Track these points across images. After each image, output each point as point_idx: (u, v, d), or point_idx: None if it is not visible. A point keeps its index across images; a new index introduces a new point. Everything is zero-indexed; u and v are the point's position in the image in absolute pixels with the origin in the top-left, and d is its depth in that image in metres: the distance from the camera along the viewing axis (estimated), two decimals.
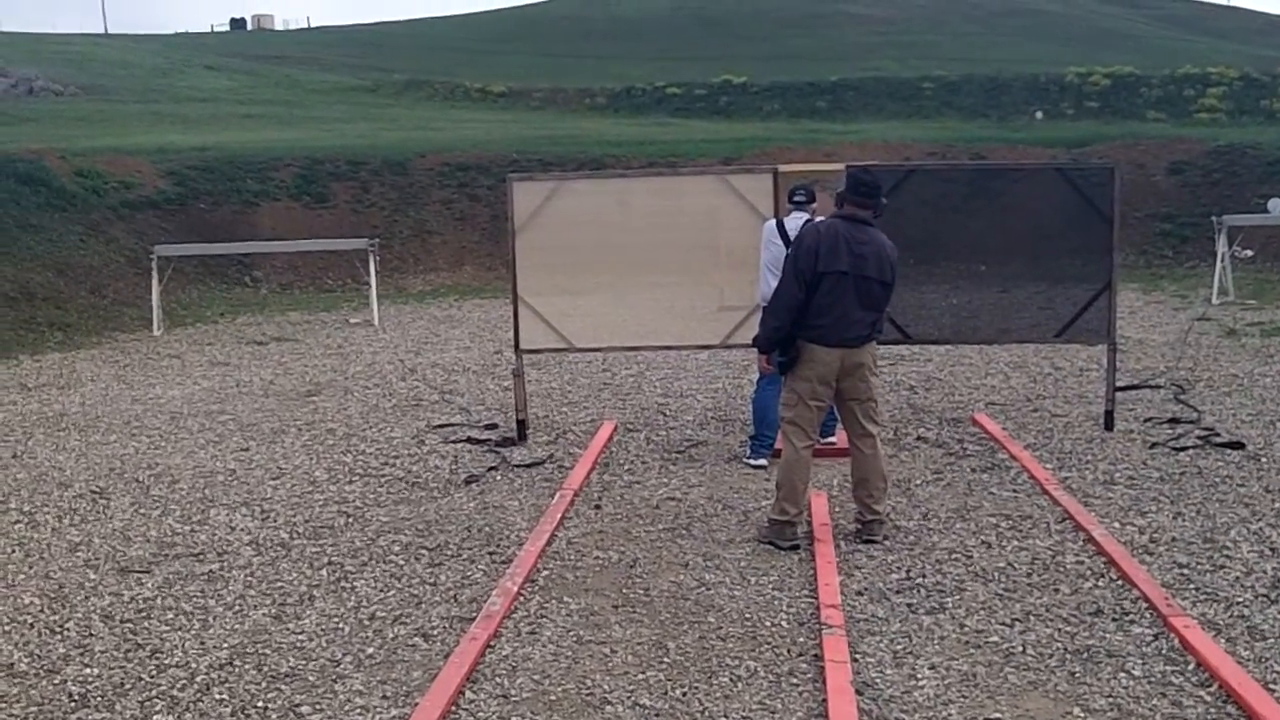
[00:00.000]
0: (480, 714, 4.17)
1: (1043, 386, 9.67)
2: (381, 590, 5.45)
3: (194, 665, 4.63)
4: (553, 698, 4.29)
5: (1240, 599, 5.02)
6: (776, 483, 5.88)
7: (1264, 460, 7.26)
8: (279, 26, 59.48)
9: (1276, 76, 33.39)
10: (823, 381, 5.74)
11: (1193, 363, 10.50)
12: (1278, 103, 31.76)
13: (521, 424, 8.27)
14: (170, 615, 5.19)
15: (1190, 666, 4.36)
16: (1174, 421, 8.31)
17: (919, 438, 8.00)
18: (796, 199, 7.34)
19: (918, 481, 6.96)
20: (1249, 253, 17.36)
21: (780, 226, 7.17)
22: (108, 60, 40.60)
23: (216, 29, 57.62)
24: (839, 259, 5.65)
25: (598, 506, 6.62)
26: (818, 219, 6.29)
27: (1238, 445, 7.57)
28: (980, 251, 8.09)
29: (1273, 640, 4.58)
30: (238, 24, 57.78)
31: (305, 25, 59.28)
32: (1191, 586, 5.18)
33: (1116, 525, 6.05)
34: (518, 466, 7.55)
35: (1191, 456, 7.37)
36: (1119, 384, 9.66)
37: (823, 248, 5.67)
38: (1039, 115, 32.09)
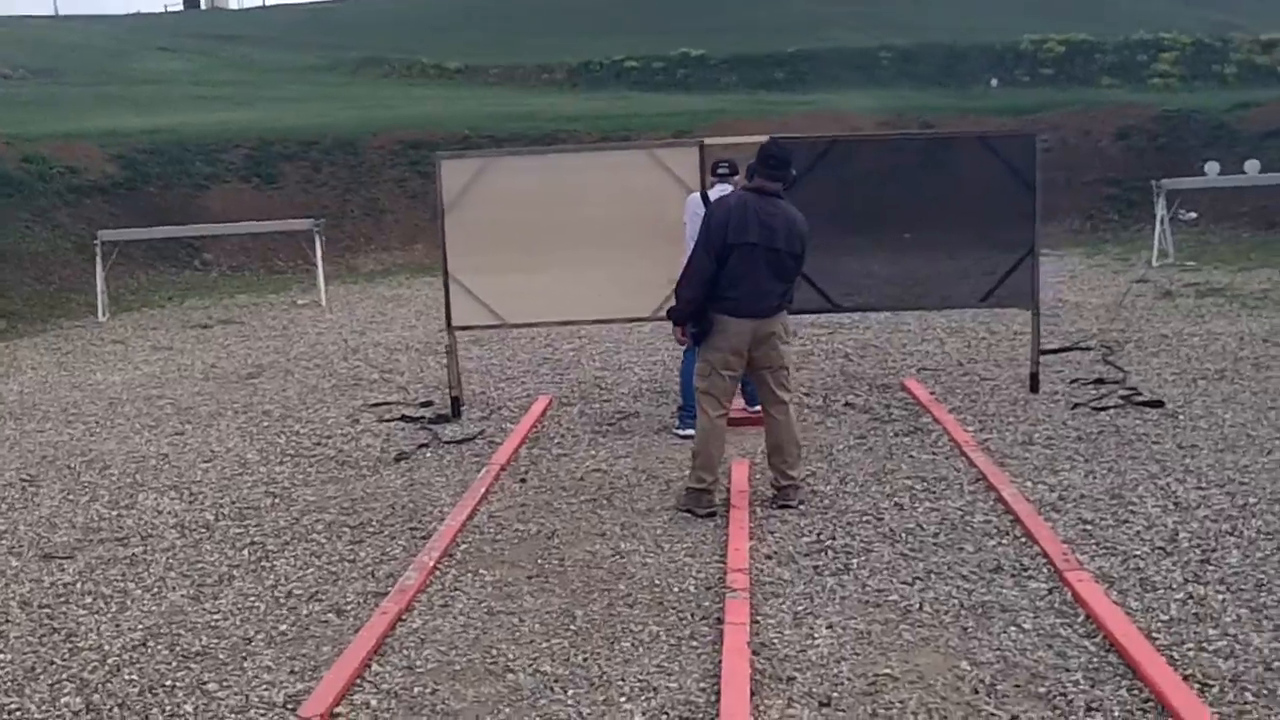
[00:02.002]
0: (384, 686, 4.25)
1: (975, 351, 9.80)
2: (300, 569, 5.51)
3: (107, 648, 4.68)
4: (457, 667, 4.37)
5: (1138, 552, 5.15)
6: (693, 452, 5.97)
7: (1181, 418, 7.40)
8: (234, 5, 58.80)
9: (1227, 40, 33.58)
10: (735, 352, 5.83)
11: (1125, 324, 10.65)
12: (1229, 67, 31.98)
13: (455, 401, 8.32)
14: (89, 599, 5.23)
15: (1080, 619, 4.48)
16: (1099, 382, 8.45)
17: (847, 403, 8.11)
18: (720, 171, 7.41)
19: (840, 447, 7.06)
20: (1193, 215, 17.57)
21: (705, 199, 7.22)
22: (58, 43, 40.04)
23: (170, 9, 56.82)
24: (749, 231, 5.72)
25: (523, 480, 6.70)
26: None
27: (1157, 404, 7.72)
28: (905, 220, 8.16)
29: (1163, 591, 4.72)
30: (191, 4, 57.03)
31: (260, 4, 58.62)
32: (1093, 541, 5.31)
33: (1029, 484, 6.18)
34: (448, 443, 7.61)
35: (1111, 416, 7.52)
36: (1050, 347, 9.85)
37: (732, 220, 5.74)
38: (994, 83, 32.20)
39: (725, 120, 21.06)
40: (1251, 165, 15.11)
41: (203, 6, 56.97)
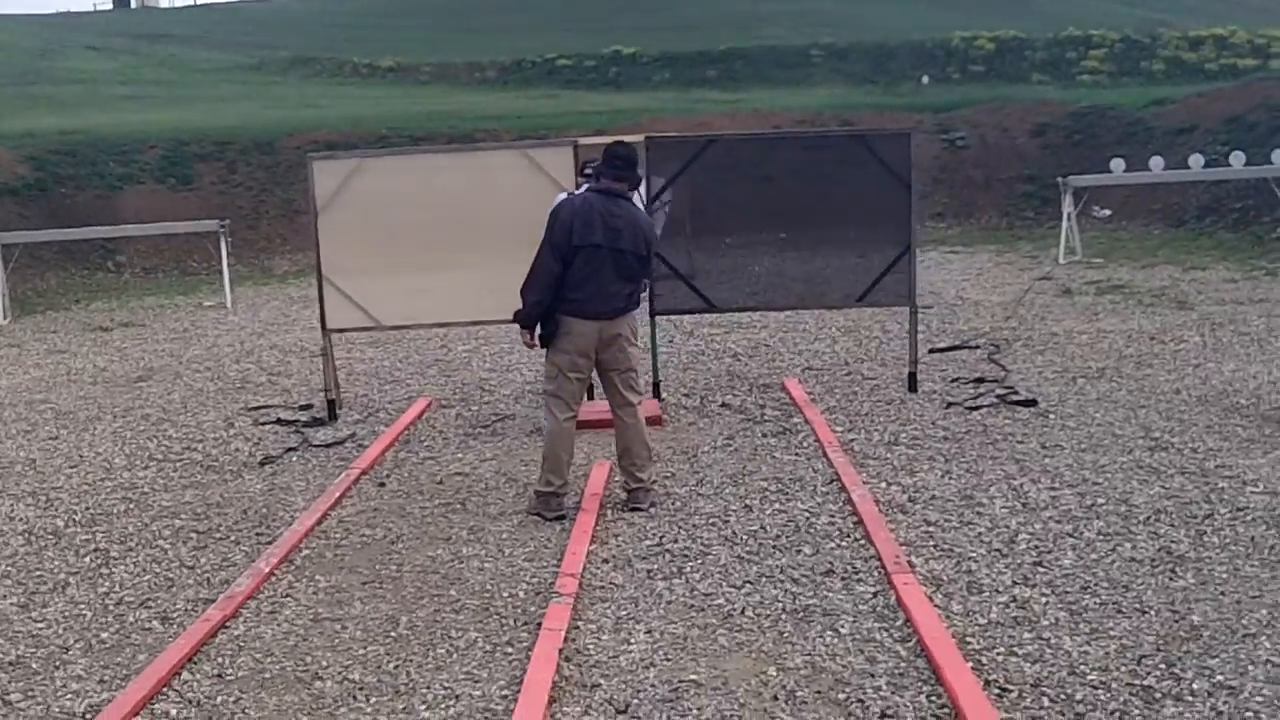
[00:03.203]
0: (190, 695, 4.17)
1: (865, 350, 9.82)
2: (137, 575, 5.41)
3: None
4: (267, 676, 4.29)
5: (973, 554, 5.16)
6: (542, 455, 5.92)
7: (1051, 417, 7.46)
8: (164, 4, 57.93)
9: (1156, 37, 34.07)
10: (582, 354, 5.79)
11: (1019, 322, 10.73)
12: (1156, 64, 32.44)
13: (331, 404, 8.22)
14: None
15: (899, 622, 4.48)
16: (979, 381, 8.50)
17: (723, 404, 8.09)
18: (587, 172, 7.36)
19: (706, 448, 7.04)
20: (1107, 212, 17.79)
21: None
22: None
23: (99, 8, 55.90)
24: (593, 232, 5.69)
25: (382, 484, 6.62)
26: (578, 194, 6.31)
27: (1030, 403, 7.77)
28: (783, 220, 8.17)
29: (988, 594, 4.73)
30: (121, 3, 56.11)
31: (191, 2, 57.75)
32: (932, 544, 5.32)
33: (883, 485, 6.18)
34: (317, 446, 7.51)
35: (982, 416, 7.55)
36: (939, 346, 9.92)
37: (577, 221, 5.70)
38: (925, 80, 32.45)
39: (646, 119, 21.02)
40: (1156, 162, 15.29)
41: (133, 5, 56.08)
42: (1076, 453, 6.64)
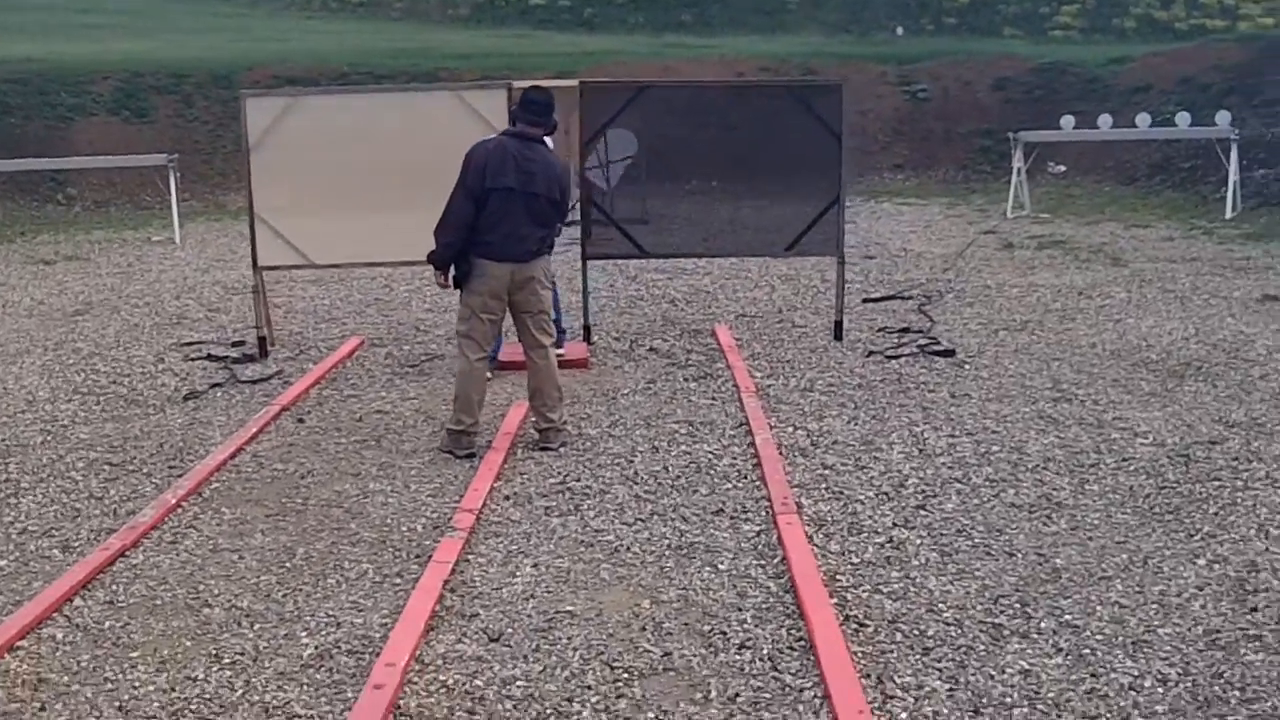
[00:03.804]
0: (78, 620, 4.27)
1: (801, 298, 9.95)
2: (45, 506, 5.49)
3: None
4: (158, 603, 4.41)
5: (861, 497, 5.32)
6: (454, 394, 6.03)
7: (967, 367, 7.62)
8: None
9: None
10: (494, 295, 5.88)
11: (955, 274, 10.87)
12: (1129, 21, 32.42)
13: (263, 341, 8.28)
14: None
15: (776, 560, 4.63)
16: (904, 331, 8.64)
17: (651, 349, 8.21)
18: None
19: (625, 391, 7.16)
20: (1061, 168, 17.91)
21: None
22: None
23: None
24: (506, 175, 5.75)
25: (301, 420, 6.71)
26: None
27: (948, 353, 7.93)
28: (715, 168, 8.25)
29: (868, 534, 4.89)
30: None
31: None
32: (824, 486, 5.47)
33: (790, 430, 6.33)
34: (243, 382, 7.59)
35: (900, 364, 7.70)
36: (873, 296, 10.06)
37: (490, 164, 5.77)
38: (899, 31, 32.34)
39: (608, 63, 20.92)
40: (1104, 120, 15.41)
41: None
42: (982, 402, 6.80)
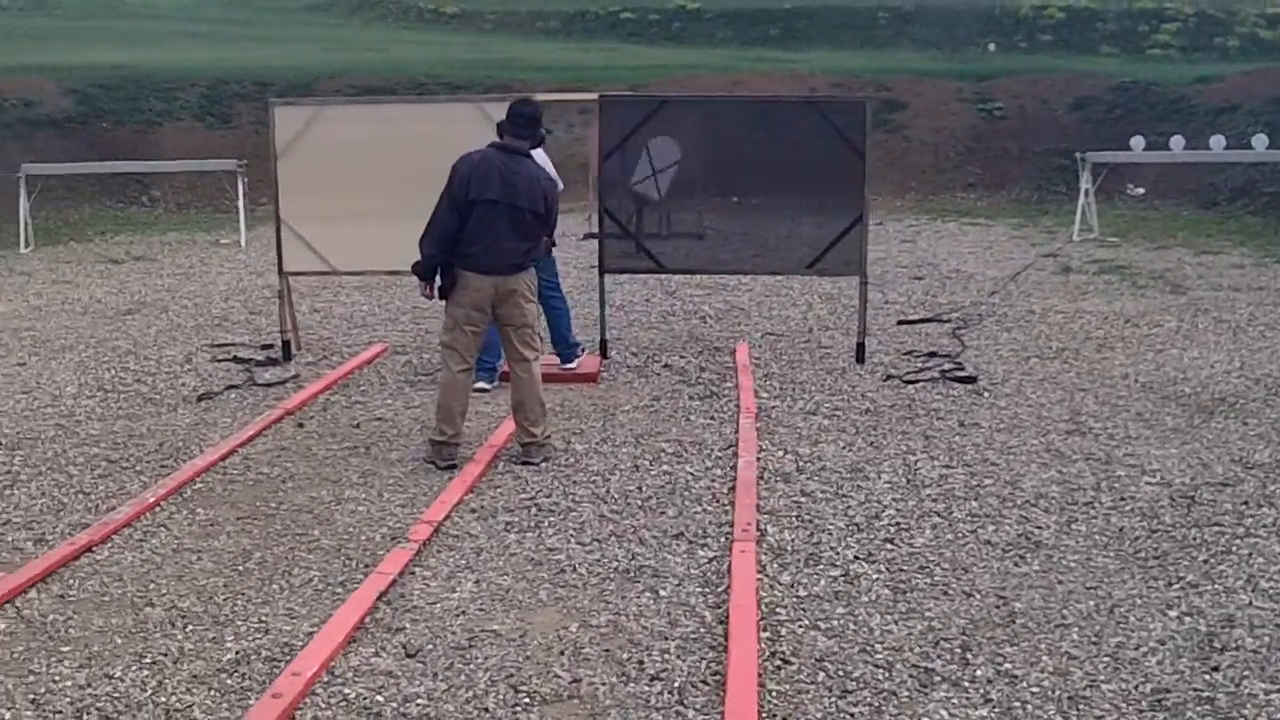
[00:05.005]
0: (26, 612, 4.37)
1: (837, 318, 9.77)
2: (35, 499, 5.63)
3: None
4: (107, 599, 4.49)
5: (830, 527, 5.18)
6: (436, 405, 6.04)
7: (986, 395, 7.39)
8: None
9: (1233, 14, 32.91)
10: (477, 308, 5.88)
11: (1002, 298, 10.58)
12: (1232, 40, 31.37)
13: (287, 344, 8.42)
14: None
15: (721, 589, 4.53)
16: (930, 355, 8.43)
17: (665, 365, 8.13)
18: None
19: (626, 408, 7.10)
20: (1140, 190, 17.37)
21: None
22: None
23: None
24: (490, 187, 5.76)
25: (301, 425, 6.79)
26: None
27: (970, 380, 7.71)
28: (737, 183, 8.15)
29: (824, 567, 4.75)
30: None
31: None
32: (795, 513, 5.34)
33: (780, 453, 6.20)
34: (259, 385, 7.71)
35: (916, 390, 7.51)
36: (910, 318, 9.85)
37: (475, 176, 5.78)
38: (991, 48, 31.75)
39: (680, 76, 20.92)
40: (1176, 141, 14.88)
41: None
42: (990, 433, 6.59)
